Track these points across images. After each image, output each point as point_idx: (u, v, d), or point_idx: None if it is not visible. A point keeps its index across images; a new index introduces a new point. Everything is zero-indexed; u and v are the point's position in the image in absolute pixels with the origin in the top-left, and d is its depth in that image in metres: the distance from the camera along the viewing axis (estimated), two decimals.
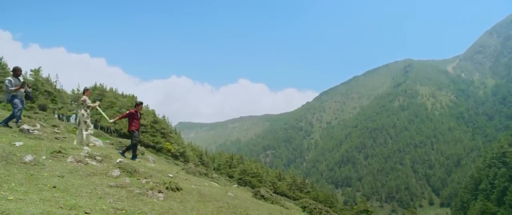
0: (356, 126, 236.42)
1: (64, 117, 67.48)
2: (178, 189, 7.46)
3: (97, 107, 11.65)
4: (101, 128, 64.31)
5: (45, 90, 56.53)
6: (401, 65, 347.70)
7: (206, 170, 54.54)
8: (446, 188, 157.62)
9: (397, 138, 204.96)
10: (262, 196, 11.43)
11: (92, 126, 11.43)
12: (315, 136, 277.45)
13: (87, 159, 7.54)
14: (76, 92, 74.38)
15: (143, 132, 64.86)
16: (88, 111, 11.21)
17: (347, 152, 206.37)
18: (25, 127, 9.65)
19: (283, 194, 73.85)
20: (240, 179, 76.30)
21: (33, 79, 55.36)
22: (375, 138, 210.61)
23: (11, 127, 10.02)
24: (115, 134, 62.00)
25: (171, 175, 9.56)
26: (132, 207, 5.65)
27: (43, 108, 53.37)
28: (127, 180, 6.89)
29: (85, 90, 11.77)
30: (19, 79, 10.02)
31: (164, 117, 75.15)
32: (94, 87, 72.08)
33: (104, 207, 5.26)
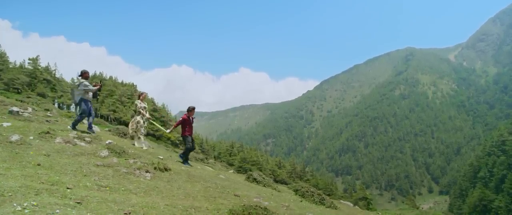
0: (357, 115, 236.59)
1: (65, 106, 67.63)
2: (166, 170, 7.52)
3: (148, 118, 11.31)
4: (102, 117, 64.44)
5: (44, 79, 56.56)
6: (402, 53, 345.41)
7: (205, 156, 54.89)
8: (445, 176, 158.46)
9: (398, 127, 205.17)
10: (255, 179, 11.52)
11: (143, 130, 11.04)
12: (316, 124, 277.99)
13: (76, 140, 7.58)
14: (75, 81, 74.39)
15: None
16: (141, 115, 11.01)
17: (348, 141, 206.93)
18: (15, 109, 9.67)
19: (283, 182, 74.29)
20: (240, 166, 76.52)
21: (32, 68, 55.35)
22: (376, 127, 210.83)
23: (90, 132, 9.82)
24: (115, 122, 62.17)
25: (162, 157, 9.62)
26: (117, 184, 5.70)
27: (42, 96, 53.48)
28: (115, 160, 6.93)
29: (140, 94, 11.42)
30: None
31: (163, 105, 75.29)
32: (93, 76, 72.04)
33: (88, 184, 5.31)
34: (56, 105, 63.58)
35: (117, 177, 6.12)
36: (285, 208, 7.45)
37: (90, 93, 9.87)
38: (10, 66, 57.59)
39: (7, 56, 58.45)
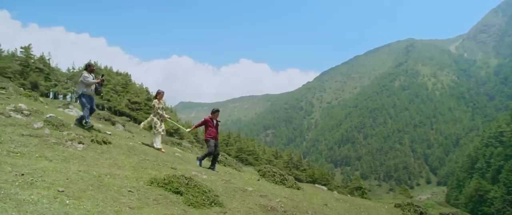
0: (356, 106, 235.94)
1: (61, 95, 67.47)
2: (105, 143, 7.38)
3: (167, 118, 10.82)
4: (96, 106, 64.33)
5: (36, 68, 56.34)
6: (403, 45, 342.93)
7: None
8: (443, 167, 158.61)
9: (397, 118, 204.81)
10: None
11: (161, 130, 10.47)
12: (315, 115, 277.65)
13: (11, 112, 7.44)
14: (71, 70, 74.21)
15: (137, 110, 64.95)
16: (158, 115, 10.51)
17: (347, 132, 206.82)
18: None
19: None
20: (237, 156, 76.73)
21: (24, 56, 55.13)
22: (375, 118, 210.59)
23: (87, 125, 9.29)
24: (109, 111, 62.09)
25: (110, 133, 9.46)
26: (33, 152, 5.56)
27: (35, 85, 53.36)
28: (47, 131, 6.79)
29: (158, 93, 10.69)
30: (92, 76, 9.50)
31: None
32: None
33: None
34: (51, 96, 63.52)
35: (39, 146, 5.98)
36: (224, 181, 7.31)
37: (92, 88, 9.36)
38: (3, 55, 57.37)
39: (1, 47, 58.17)
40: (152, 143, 10.55)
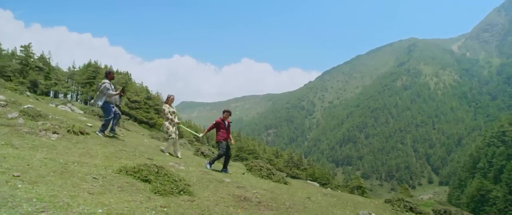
0: (358, 105, 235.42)
1: (61, 94, 67.63)
2: (82, 133, 7.29)
3: (177, 124, 10.48)
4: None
5: (36, 66, 56.45)
6: (405, 44, 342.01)
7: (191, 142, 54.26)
8: (445, 167, 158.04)
9: (399, 118, 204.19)
10: (202, 153, 11.33)
11: (173, 135, 10.23)
12: (317, 115, 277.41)
13: None
14: (71, 69, 74.44)
15: (136, 109, 64.98)
16: (169, 120, 10.23)
17: (348, 131, 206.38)
18: None
19: (279, 171, 74.21)
20: (237, 155, 76.63)
21: (24, 55, 55.25)
22: (377, 117, 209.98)
23: (112, 136, 9.25)
24: None
25: (91, 125, 9.36)
26: (0, 140, 5.45)
27: (34, 84, 53.46)
28: (21, 120, 6.71)
29: (168, 98, 10.49)
30: (112, 84, 9.29)
31: (157, 93, 75.24)
32: (88, 64, 71.93)
33: None
34: (52, 95, 63.64)
35: (9, 134, 5.90)
36: (201, 173, 7.22)
37: (113, 97, 9.17)
38: (3, 53, 57.52)
39: (1, 44, 58.35)
40: (166, 149, 10.44)
